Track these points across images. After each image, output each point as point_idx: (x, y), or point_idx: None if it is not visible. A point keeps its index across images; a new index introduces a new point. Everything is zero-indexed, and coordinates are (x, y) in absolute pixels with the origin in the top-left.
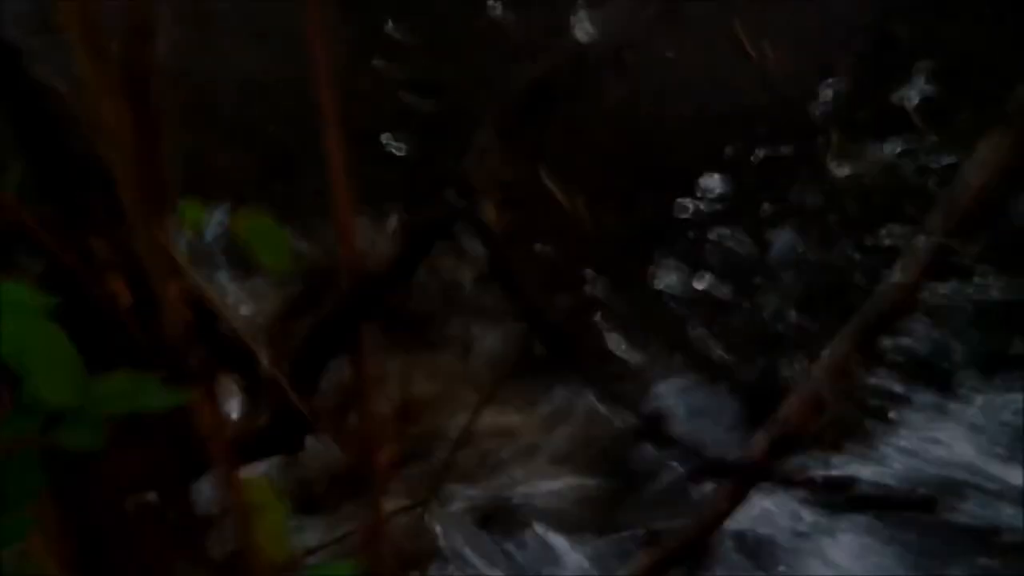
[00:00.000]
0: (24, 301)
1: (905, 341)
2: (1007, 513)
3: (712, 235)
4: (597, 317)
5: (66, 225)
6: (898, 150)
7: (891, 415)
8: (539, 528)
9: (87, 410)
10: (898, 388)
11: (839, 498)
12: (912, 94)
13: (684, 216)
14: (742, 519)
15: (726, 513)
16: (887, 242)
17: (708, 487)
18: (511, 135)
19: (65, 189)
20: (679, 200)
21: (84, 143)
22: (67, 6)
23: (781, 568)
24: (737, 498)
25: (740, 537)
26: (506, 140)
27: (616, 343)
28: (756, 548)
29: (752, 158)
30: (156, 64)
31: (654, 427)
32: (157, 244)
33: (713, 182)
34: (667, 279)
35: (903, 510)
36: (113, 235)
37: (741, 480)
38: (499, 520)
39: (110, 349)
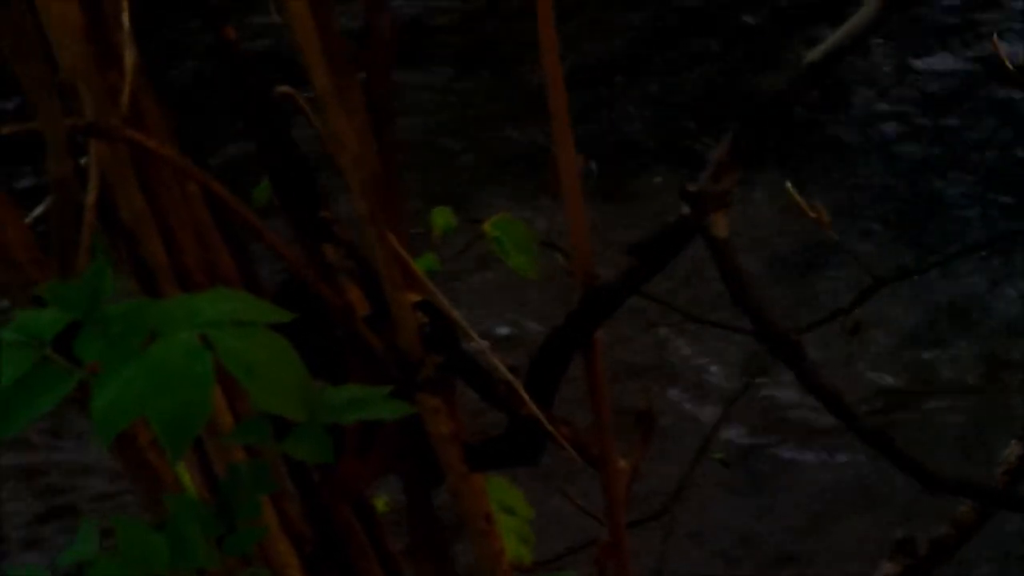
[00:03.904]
0: (251, 314)
1: None
2: None
3: None
4: None
5: (302, 236)
6: None
7: None
8: None
9: (315, 421)
10: None
11: None
12: None
13: None
14: None
15: (977, 526)
16: None
17: None
18: (749, 149)
19: (301, 200)
20: None
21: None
22: (300, 17)
23: None
24: (985, 515)
25: None
26: (744, 154)
27: None
28: None
29: None
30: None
31: (883, 441)
32: (392, 253)
33: None
34: None
35: None
36: (347, 245)
37: (986, 504)
38: None
39: (346, 359)
